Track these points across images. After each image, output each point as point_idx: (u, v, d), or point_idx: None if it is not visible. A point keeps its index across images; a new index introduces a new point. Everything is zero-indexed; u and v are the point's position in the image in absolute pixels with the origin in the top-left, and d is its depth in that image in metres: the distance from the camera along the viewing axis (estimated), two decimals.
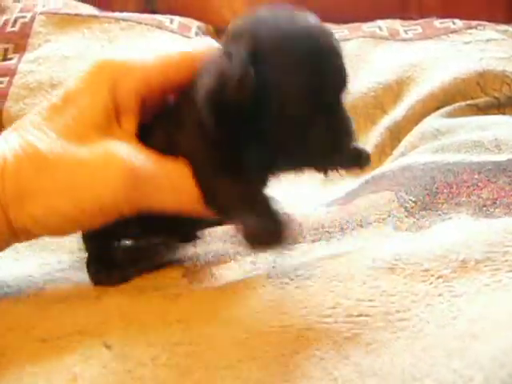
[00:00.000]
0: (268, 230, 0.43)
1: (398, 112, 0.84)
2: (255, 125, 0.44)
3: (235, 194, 0.45)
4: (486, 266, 0.44)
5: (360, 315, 0.41)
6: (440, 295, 0.42)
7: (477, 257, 0.44)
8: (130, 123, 0.48)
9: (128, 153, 0.45)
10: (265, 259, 0.51)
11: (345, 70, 0.46)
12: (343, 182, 0.80)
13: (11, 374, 0.39)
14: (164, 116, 0.49)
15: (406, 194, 0.59)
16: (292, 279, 0.45)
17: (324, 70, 0.44)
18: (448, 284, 0.43)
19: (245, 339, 0.39)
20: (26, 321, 0.45)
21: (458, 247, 0.45)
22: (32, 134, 0.46)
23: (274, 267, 0.50)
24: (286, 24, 0.44)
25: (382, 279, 0.43)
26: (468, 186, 0.58)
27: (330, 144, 0.45)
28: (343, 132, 0.46)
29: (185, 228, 0.55)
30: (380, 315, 0.40)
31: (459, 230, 0.50)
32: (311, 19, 0.45)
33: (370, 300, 0.42)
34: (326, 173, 0.50)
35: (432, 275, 0.44)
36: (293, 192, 0.79)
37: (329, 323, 0.40)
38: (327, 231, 0.56)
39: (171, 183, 0.45)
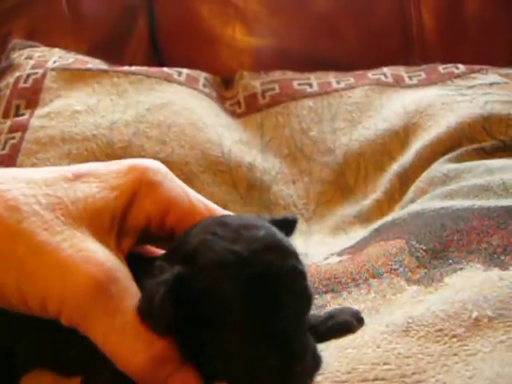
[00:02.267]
0: None
1: (406, 158, 0.85)
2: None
3: None
4: (499, 322, 0.44)
5: (376, 379, 0.40)
6: (455, 355, 0.42)
7: (489, 314, 0.44)
8: (128, 243, 0.43)
9: (114, 268, 0.39)
10: None
11: (300, 295, 0.39)
12: (353, 230, 0.81)
13: None
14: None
15: (417, 242, 0.59)
16: None
17: (269, 300, 0.37)
18: (462, 343, 0.43)
19: None
20: None
21: (470, 305, 0.45)
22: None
23: None
24: (233, 243, 0.38)
25: (397, 342, 0.43)
26: (478, 233, 0.58)
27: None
28: (293, 364, 0.38)
29: None
30: (396, 378, 0.40)
31: (470, 285, 0.50)
32: (272, 237, 0.39)
33: (386, 363, 0.41)
34: None
35: (446, 335, 0.43)
36: (302, 241, 0.80)
37: None
38: (339, 282, 0.56)
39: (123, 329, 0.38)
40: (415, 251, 0.58)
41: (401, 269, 0.56)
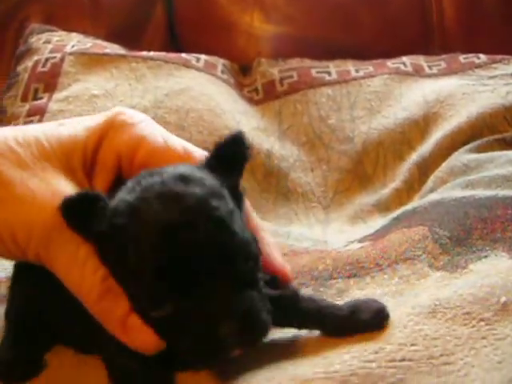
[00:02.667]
0: None
1: (425, 148, 0.84)
2: None
3: None
4: None
5: (403, 360, 0.40)
6: (483, 338, 0.42)
7: None
8: (101, 182, 0.45)
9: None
10: None
11: (203, 244, 0.37)
12: (372, 219, 0.80)
13: None
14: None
15: (440, 228, 0.58)
16: None
17: (175, 247, 0.37)
18: (491, 327, 0.42)
19: None
20: None
21: (497, 290, 0.45)
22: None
23: None
24: (128, 193, 0.39)
25: (424, 324, 0.43)
26: (502, 222, 0.58)
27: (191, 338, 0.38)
28: (209, 320, 0.37)
29: None
30: (424, 359, 0.40)
31: (496, 272, 0.49)
32: (168, 186, 0.38)
33: (413, 344, 0.41)
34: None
35: (474, 318, 0.43)
36: (320, 229, 0.79)
37: (372, 368, 0.39)
38: (362, 266, 0.56)
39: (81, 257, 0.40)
40: (439, 238, 0.57)
41: (424, 255, 0.55)
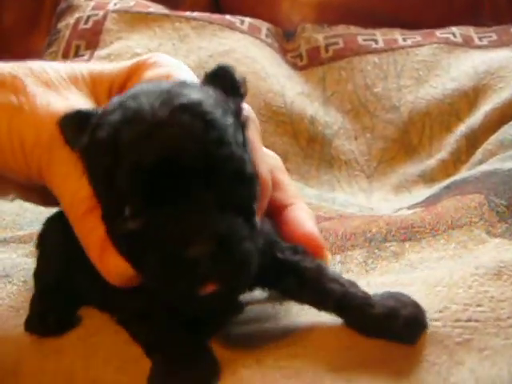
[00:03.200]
0: None
1: (474, 120, 0.82)
2: None
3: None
4: None
5: (469, 320, 0.39)
6: None
7: None
8: None
9: None
10: (355, 259, 0.50)
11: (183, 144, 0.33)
12: (417, 189, 0.79)
13: None
14: None
15: (497, 197, 0.57)
16: (392, 288, 0.43)
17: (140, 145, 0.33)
18: None
19: (353, 343, 0.37)
20: None
21: None
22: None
23: (367, 271, 0.48)
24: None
25: (489, 285, 0.41)
26: None
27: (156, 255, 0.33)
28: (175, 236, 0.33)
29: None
30: (490, 321, 0.38)
31: None
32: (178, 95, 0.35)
33: (479, 305, 0.40)
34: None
35: None
36: (364, 197, 0.78)
37: (438, 327, 0.38)
38: (417, 231, 0.54)
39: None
40: (495, 206, 0.56)
41: (481, 222, 0.54)
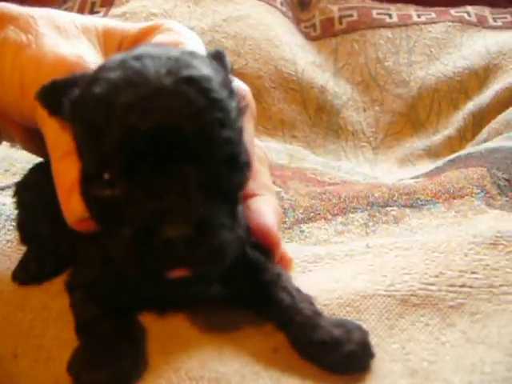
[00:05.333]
0: None
1: (482, 98, 0.83)
2: None
3: None
4: None
5: (463, 286, 0.40)
6: None
7: None
8: None
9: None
10: (356, 221, 0.51)
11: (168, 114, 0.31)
12: (421, 163, 0.80)
13: None
14: None
15: (499, 171, 0.58)
16: (391, 249, 0.45)
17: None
18: None
19: (351, 301, 0.39)
20: None
21: None
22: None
23: (367, 233, 0.50)
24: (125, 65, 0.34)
25: (484, 254, 0.43)
26: None
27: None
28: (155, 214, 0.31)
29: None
30: (484, 287, 0.40)
31: None
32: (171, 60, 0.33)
33: (473, 272, 0.41)
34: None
35: None
36: (369, 167, 0.79)
37: (432, 291, 0.39)
38: (418, 198, 0.56)
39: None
40: (497, 180, 0.57)
41: (482, 193, 0.55)
